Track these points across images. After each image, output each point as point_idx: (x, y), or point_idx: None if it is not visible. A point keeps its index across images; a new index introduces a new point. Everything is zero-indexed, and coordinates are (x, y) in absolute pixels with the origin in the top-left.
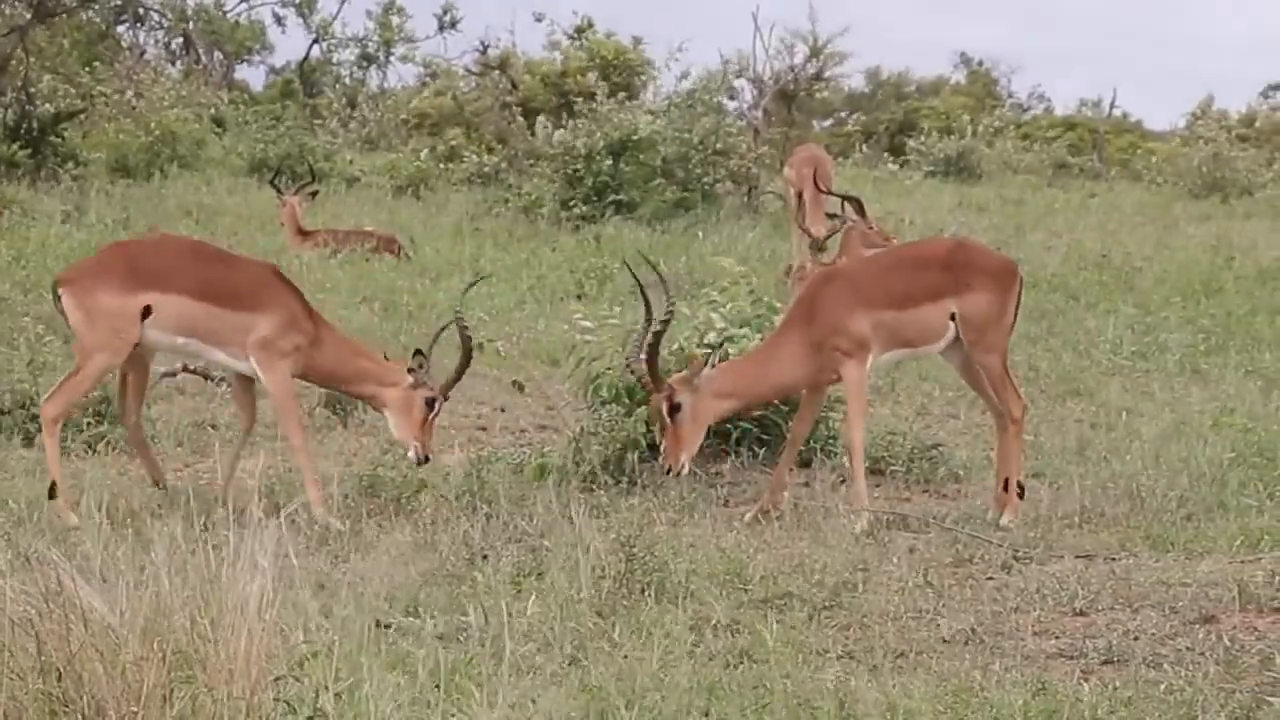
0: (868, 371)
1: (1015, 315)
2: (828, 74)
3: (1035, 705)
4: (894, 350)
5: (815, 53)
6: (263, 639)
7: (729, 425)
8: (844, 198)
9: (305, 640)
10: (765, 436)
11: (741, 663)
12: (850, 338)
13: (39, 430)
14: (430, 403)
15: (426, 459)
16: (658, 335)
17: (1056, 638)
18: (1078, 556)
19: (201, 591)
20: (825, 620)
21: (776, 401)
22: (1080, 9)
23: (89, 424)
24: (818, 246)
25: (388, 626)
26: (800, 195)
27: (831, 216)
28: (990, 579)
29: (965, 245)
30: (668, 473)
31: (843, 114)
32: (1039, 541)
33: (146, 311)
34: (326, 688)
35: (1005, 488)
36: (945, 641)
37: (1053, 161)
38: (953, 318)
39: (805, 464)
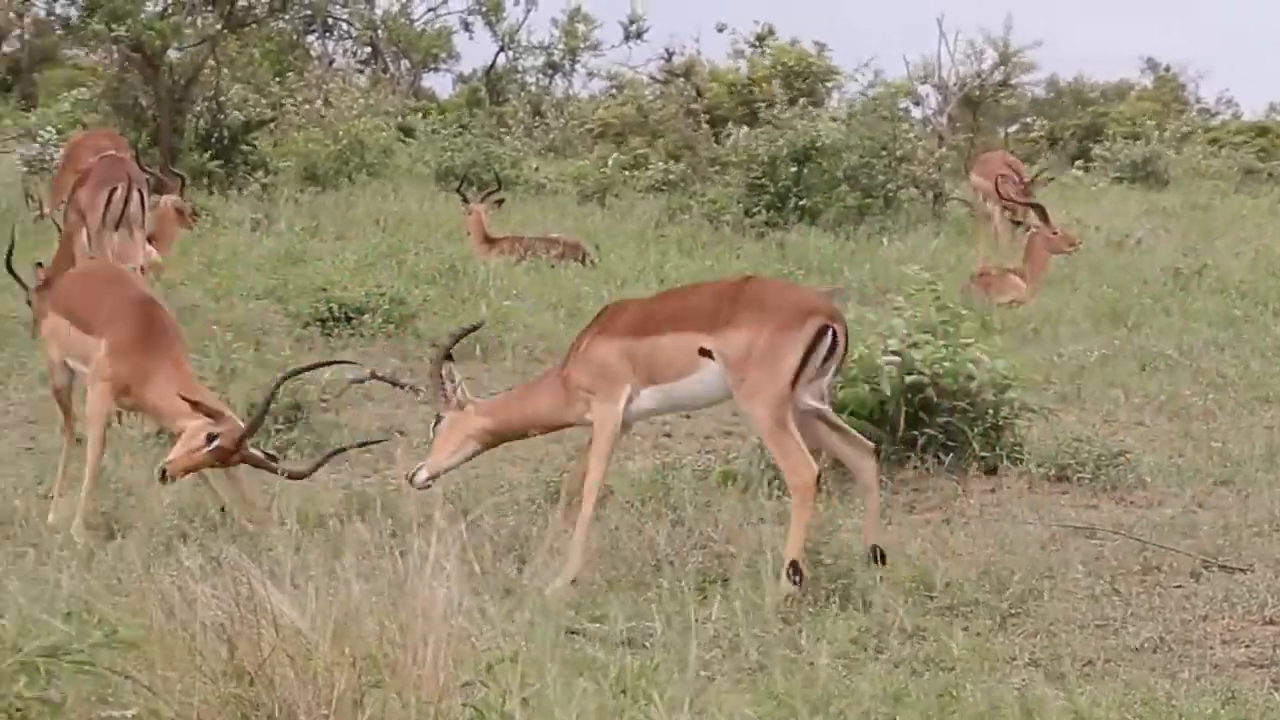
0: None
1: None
2: (1014, 81)
3: (1225, 714)
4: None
5: (1004, 59)
6: (450, 645)
7: (915, 431)
8: (1028, 204)
9: (492, 646)
10: (950, 443)
11: (927, 670)
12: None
13: None
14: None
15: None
16: (447, 345)
17: (1246, 646)
18: (1268, 565)
19: (390, 597)
20: (1011, 628)
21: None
22: (1270, 14)
23: (278, 430)
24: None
25: (574, 632)
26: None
27: (1016, 224)
28: (1178, 587)
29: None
30: (409, 480)
31: (1028, 119)
32: (1228, 549)
33: None
34: (513, 693)
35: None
36: (1133, 650)
37: (1241, 167)
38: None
39: (991, 471)
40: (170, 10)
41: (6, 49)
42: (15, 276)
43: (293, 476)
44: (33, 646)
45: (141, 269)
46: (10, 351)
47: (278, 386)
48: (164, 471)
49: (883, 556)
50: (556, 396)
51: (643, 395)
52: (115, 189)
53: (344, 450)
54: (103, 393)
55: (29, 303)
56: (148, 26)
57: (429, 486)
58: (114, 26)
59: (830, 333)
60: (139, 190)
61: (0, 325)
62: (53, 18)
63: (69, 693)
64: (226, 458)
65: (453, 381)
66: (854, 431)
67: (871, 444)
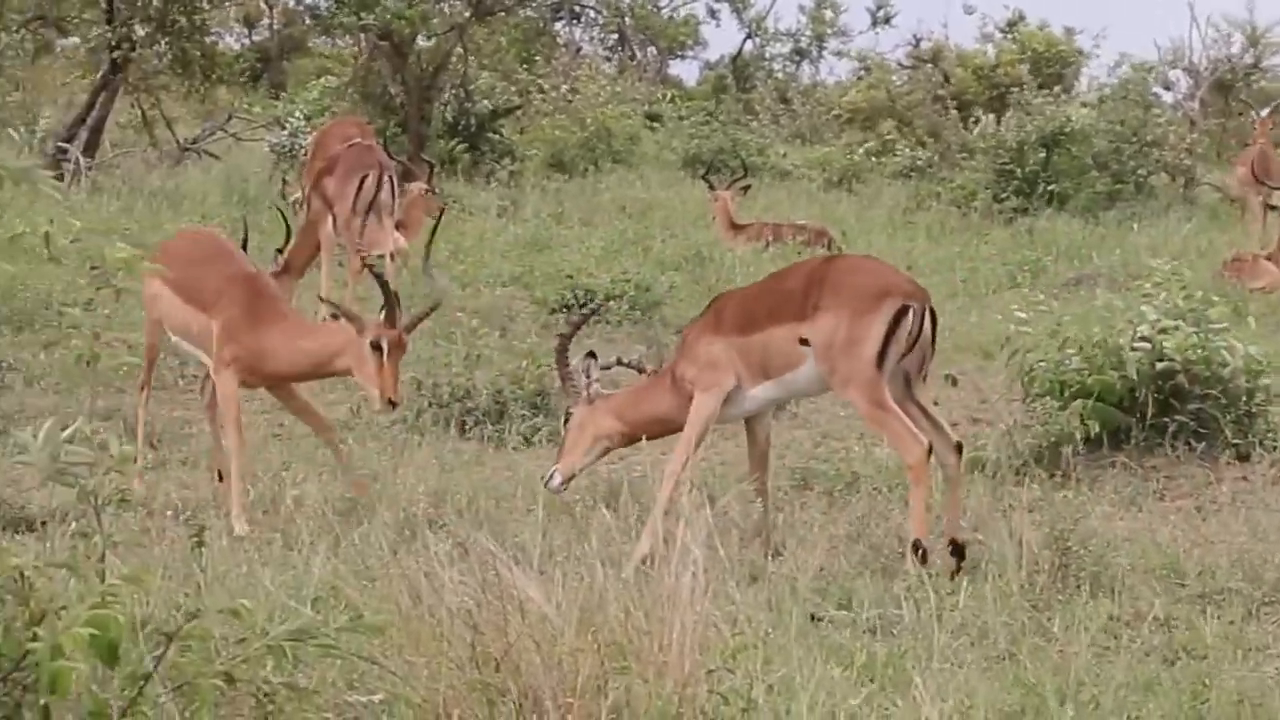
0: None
1: None
2: (1265, 63)
3: None
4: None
5: (1253, 41)
6: (696, 631)
7: (1165, 419)
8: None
9: (738, 632)
10: (1202, 430)
11: (1179, 659)
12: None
13: (475, 423)
14: None
15: None
16: (568, 333)
17: None
18: None
19: (636, 583)
20: (1265, 617)
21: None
22: None
23: (524, 416)
24: None
25: (820, 619)
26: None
27: (1271, 208)
28: None
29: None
30: (544, 484)
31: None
32: None
33: None
34: (759, 679)
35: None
36: None
37: None
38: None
39: (1244, 458)
40: (422, 1)
41: (256, 38)
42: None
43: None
44: (280, 631)
45: (390, 255)
46: None
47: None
48: (391, 403)
49: (961, 551)
50: (676, 395)
51: (758, 389)
52: (366, 177)
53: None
54: (229, 380)
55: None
56: (396, 15)
57: (563, 490)
58: (362, 16)
59: (910, 312)
60: (389, 178)
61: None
62: (301, 7)
63: (316, 677)
64: (402, 343)
65: (587, 376)
66: (944, 423)
67: (956, 439)
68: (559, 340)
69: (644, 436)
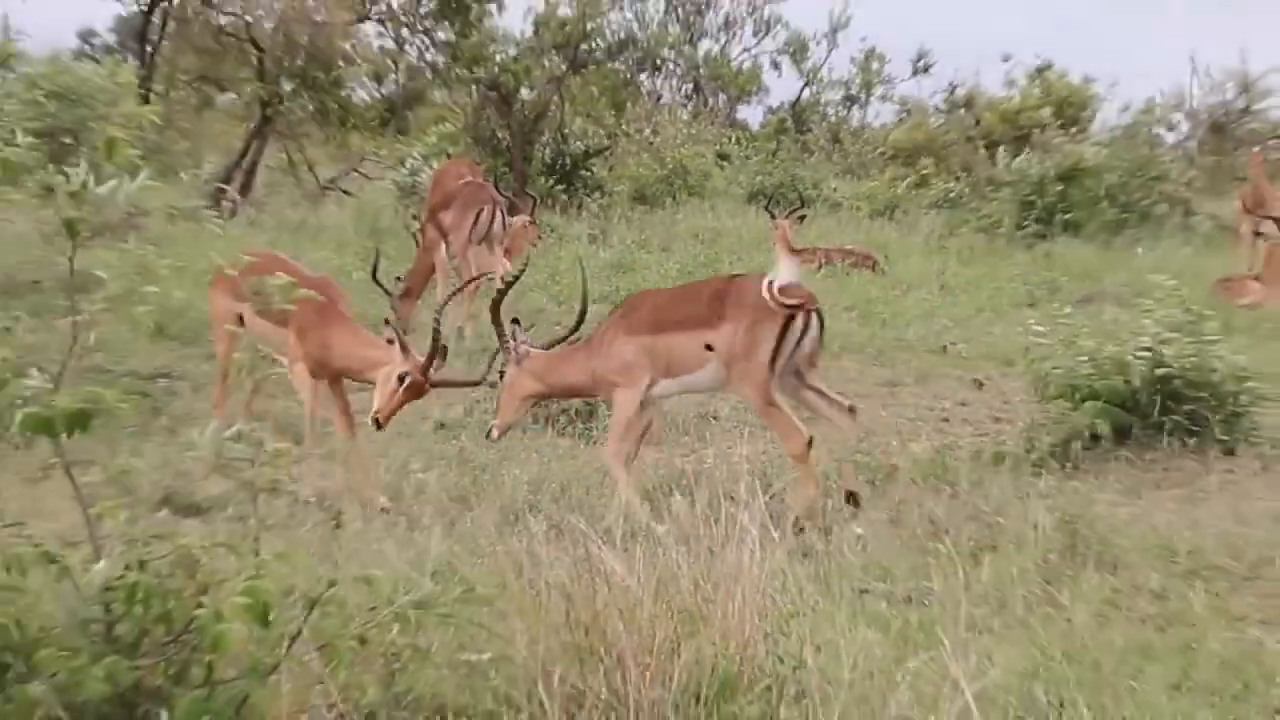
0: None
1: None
2: (1255, 108)
3: None
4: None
5: (1245, 88)
6: (755, 600)
7: (1163, 418)
8: (1269, 217)
9: (791, 602)
10: (1195, 428)
11: (1170, 626)
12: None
13: (569, 423)
14: None
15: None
16: (498, 299)
17: None
18: None
19: (704, 559)
20: (1247, 589)
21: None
22: None
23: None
24: None
25: (863, 591)
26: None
27: (1257, 235)
28: None
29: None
30: (487, 436)
31: (1270, 142)
32: None
33: None
34: (808, 642)
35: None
36: None
37: None
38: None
39: (1230, 452)
40: (522, 55)
41: (384, 91)
42: (380, 285)
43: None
44: (405, 600)
45: (500, 278)
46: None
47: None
48: (376, 422)
49: (855, 499)
50: (586, 370)
51: (660, 385)
52: (481, 211)
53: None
54: (301, 372)
55: (392, 308)
56: (503, 70)
57: (500, 439)
58: (475, 70)
59: (798, 317)
60: (499, 212)
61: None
62: (423, 64)
63: (435, 640)
64: (421, 388)
65: (515, 339)
66: (833, 394)
67: (848, 403)
68: (492, 302)
69: (556, 397)
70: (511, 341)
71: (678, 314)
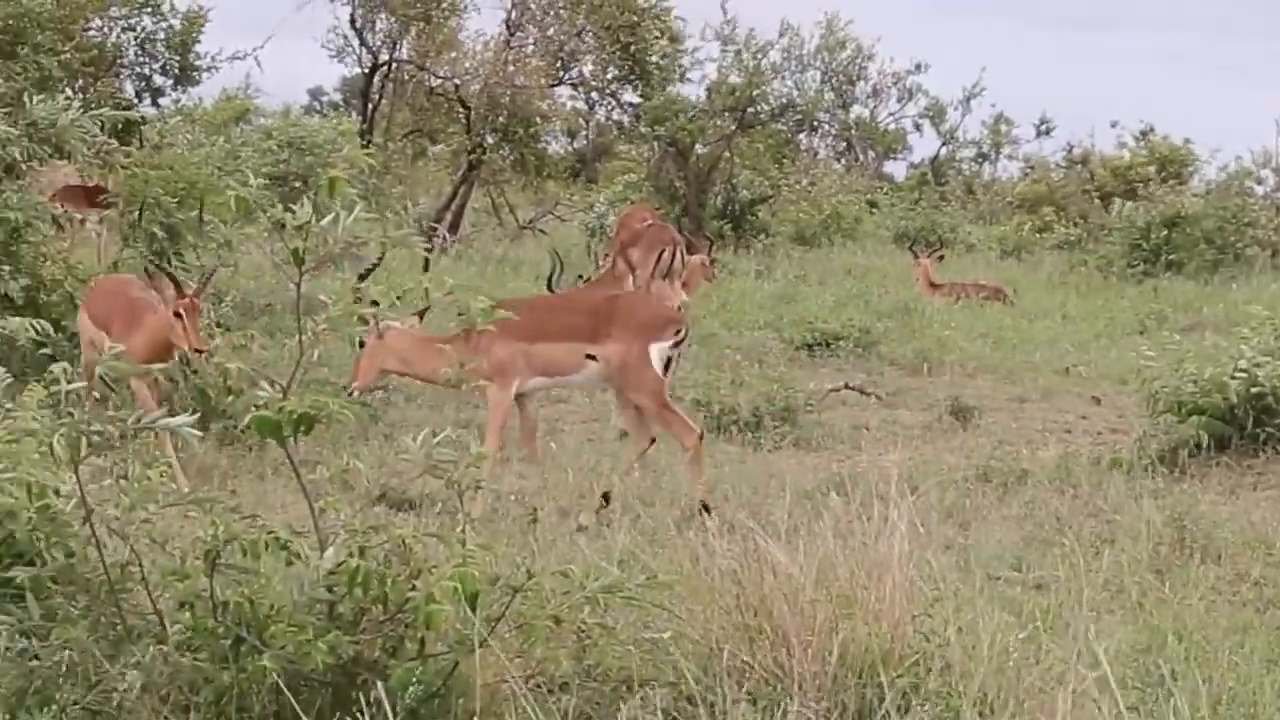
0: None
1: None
2: None
3: None
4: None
5: None
6: (904, 587)
7: (1259, 430)
8: None
9: (935, 588)
10: None
11: (1268, 609)
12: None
13: (738, 431)
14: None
15: None
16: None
17: None
18: None
19: (858, 551)
20: None
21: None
22: None
23: (775, 426)
24: None
25: (997, 578)
26: None
27: None
28: None
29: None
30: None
31: None
32: None
33: None
34: (950, 623)
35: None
36: None
37: None
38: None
39: None
40: (697, 116)
41: (576, 145)
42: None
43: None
44: (594, 585)
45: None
46: None
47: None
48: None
49: (707, 509)
50: (439, 365)
51: (531, 383)
52: (664, 250)
53: None
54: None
55: None
56: (681, 128)
57: (359, 398)
58: (656, 128)
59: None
60: (680, 251)
61: None
62: (611, 122)
63: (620, 620)
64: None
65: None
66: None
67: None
68: (358, 278)
69: (413, 377)
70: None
71: (558, 323)
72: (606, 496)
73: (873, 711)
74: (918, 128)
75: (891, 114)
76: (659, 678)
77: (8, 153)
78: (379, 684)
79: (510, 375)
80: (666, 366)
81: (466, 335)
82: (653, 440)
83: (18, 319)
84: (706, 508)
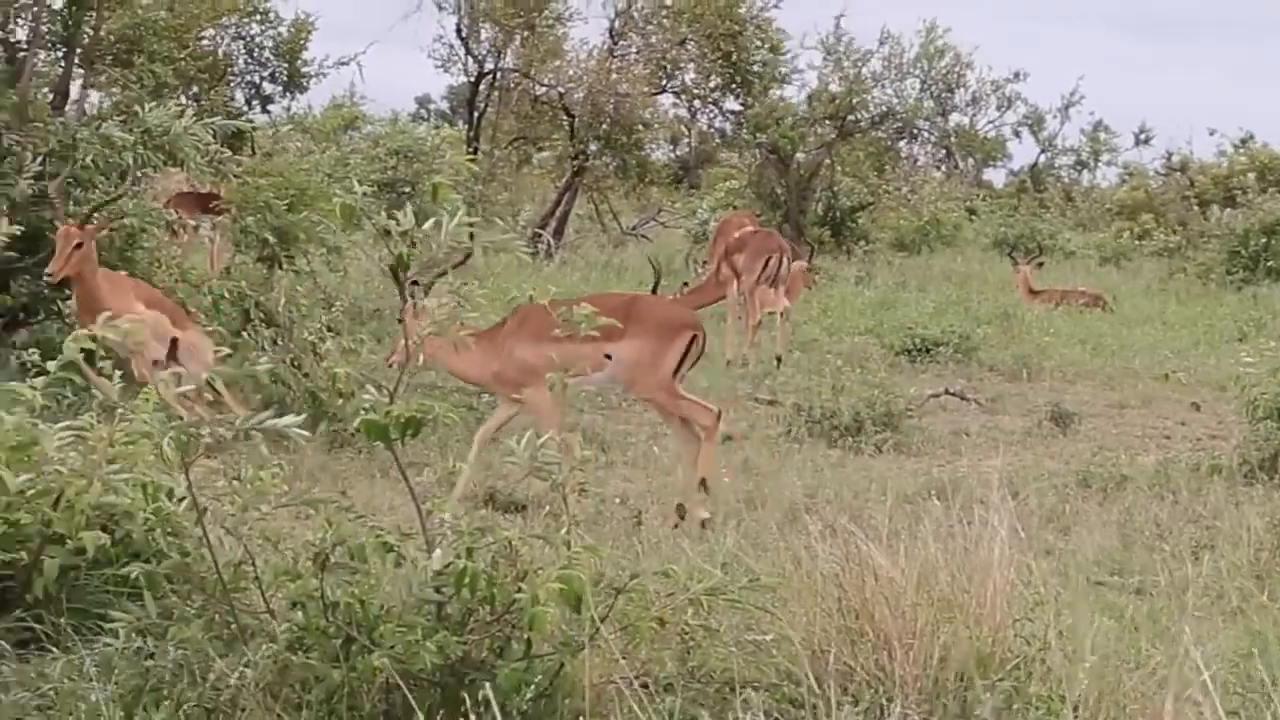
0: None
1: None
2: None
3: None
4: None
5: None
6: (1004, 590)
7: None
8: None
9: (1036, 592)
10: None
11: None
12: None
13: (839, 436)
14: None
15: None
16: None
17: None
18: None
19: (959, 555)
20: None
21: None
22: None
23: (876, 430)
24: None
25: (1098, 583)
26: None
27: None
28: None
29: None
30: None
31: None
32: None
33: None
34: (1052, 626)
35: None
36: None
37: None
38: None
39: None
40: (798, 124)
41: (678, 152)
42: None
43: None
44: (698, 587)
45: (781, 314)
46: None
47: None
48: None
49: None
50: (478, 369)
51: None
52: (770, 257)
53: None
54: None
55: None
56: (783, 136)
57: (392, 366)
58: (757, 136)
59: (697, 338)
60: (785, 258)
61: None
62: (713, 130)
63: (724, 622)
64: None
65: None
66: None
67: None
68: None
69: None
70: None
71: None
72: (704, 483)
73: (973, 715)
74: (1017, 135)
75: (990, 122)
76: (762, 679)
77: (123, 159)
78: (486, 684)
79: (538, 375)
80: (678, 368)
81: (490, 335)
82: (713, 423)
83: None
84: (705, 487)
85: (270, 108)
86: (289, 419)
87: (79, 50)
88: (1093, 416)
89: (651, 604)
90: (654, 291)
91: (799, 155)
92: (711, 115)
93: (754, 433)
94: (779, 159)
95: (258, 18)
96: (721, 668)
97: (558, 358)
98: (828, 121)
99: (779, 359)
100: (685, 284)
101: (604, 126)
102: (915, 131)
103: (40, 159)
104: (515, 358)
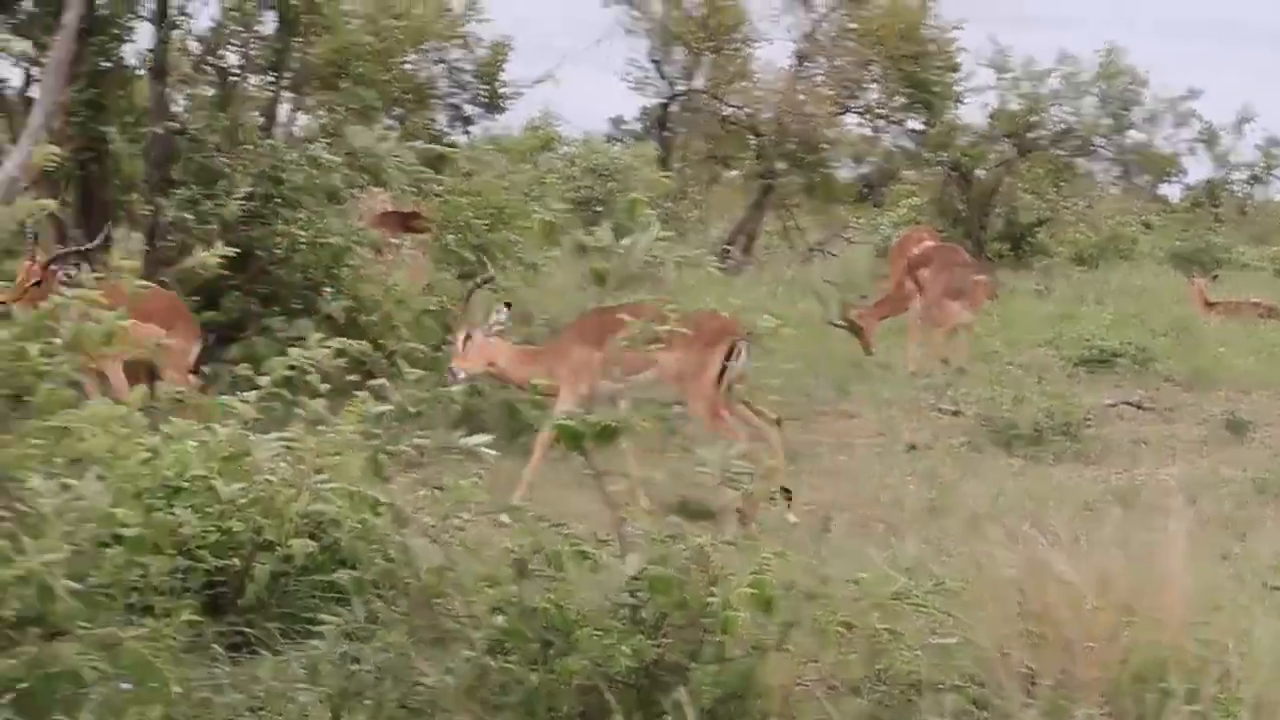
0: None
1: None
2: None
3: None
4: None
5: None
6: (1182, 596)
7: None
8: None
9: (1213, 597)
10: None
11: None
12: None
13: (1020, 446)
14: None
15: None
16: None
17: None
18: None
19: (1138, 560)
20: None
21: None
22: None
23: (1056, 440)
24: None
25: (1274, 587)
26: None
27: None
28: None
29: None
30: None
31: None
32: None
33: None
34: (1228, 631)
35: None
36: None
37: None
38: None
39: None
40: (979, 142)
41: (863, 170)
42: (838, 325)
43: None
44: (884, 592)
45: (967, 326)
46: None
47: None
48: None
49: (788, 493)
50: (542, 371)
51: (602, 386)
52: (955, 270)
53: None
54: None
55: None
56: (964, 153)
57: (459, 380)
58: (939, 154)
59: (738, 346)
60: (969, 272)
61: (858, 365)
62: (896, 148)
63: (909, 626)
64: None
65: (497, 315)
66: (762, 409)
67: (774, 415)
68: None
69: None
70: (495, 318)
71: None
72: (787, 491)
73: (1155, 717)
74: (1192, 152)
75: (1166, 138)
76: (946, 682)
77: (330, 180)
78: (680, 686)
79: (581, 378)
80: (722, 375)
81: (552, 343)
82: (776, 421)
83: (339, 339)
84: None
85: (470, 128)
86: (479, 438)
87: (288, 75)
88: (1267, 425)
89: (839, 608)
90: (844, 321)
91: (979, 172)
92: (894, 134)
93: (937, 442)
94: (960, 176)
95: (458, 42)
96: (907, 670)
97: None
98: (1007, 139)
99: (961, 369)
100: (864, 297)
101: (790, 146)
102: (1093, 148)
103: (250, 180)
104: (569, 358)
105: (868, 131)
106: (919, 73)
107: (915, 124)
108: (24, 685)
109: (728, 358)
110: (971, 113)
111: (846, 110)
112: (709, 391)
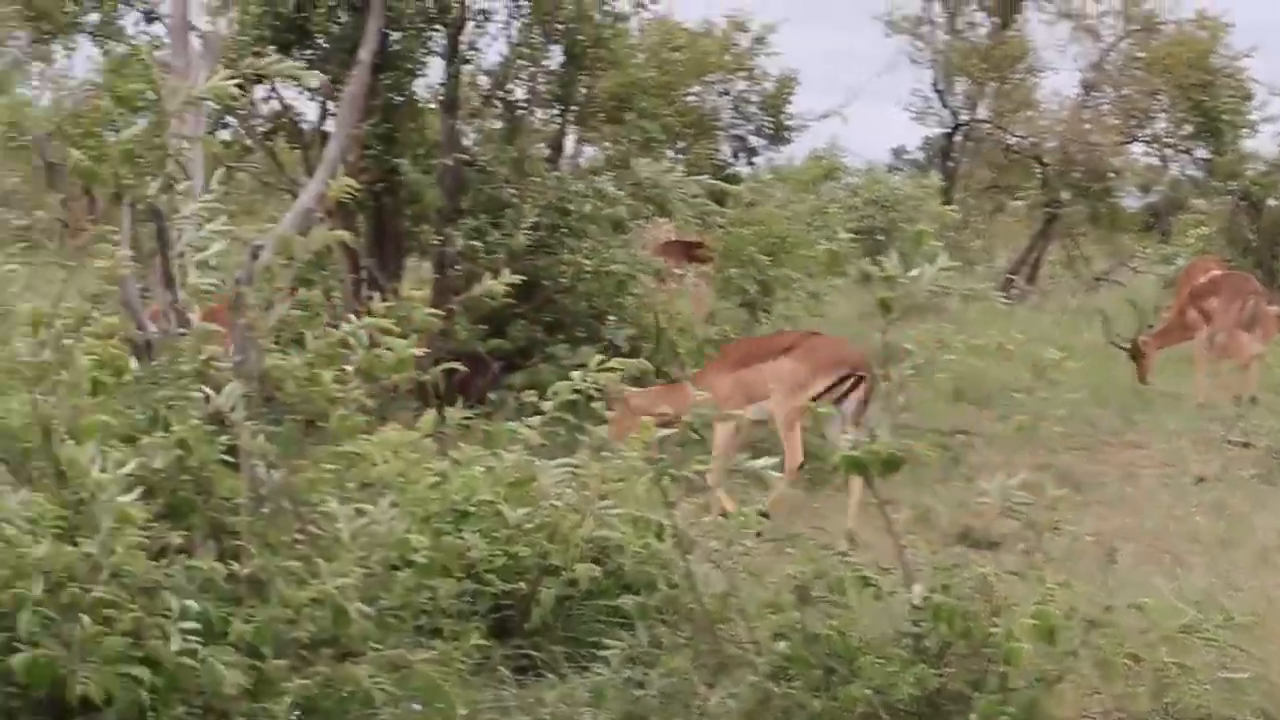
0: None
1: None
2: None
3: None
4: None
5: None
6: None
7: None
8: None
9: None
10: None
11: None
12: None
13: None
14: None
15: None
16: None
17: None
18: None
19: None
20: None
21: None
22: None
23: None
24: None
25: None
26: None
27: None
28: None
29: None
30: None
31: None
32: None
33: None
34: None
35: None
36: None
37: None
38: None
39: None
40: (1270, 171)
41: (1149, 199)
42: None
43: None
44: (1173, 624)
45: (1257, 357)
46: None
47: None
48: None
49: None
50: (682, 402)
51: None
52: (1247, 300)
53: None
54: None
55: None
56: (1254, 183)
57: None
58: (1228, 183)
59: (852, 377)
60: (1262, 302)
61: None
62: (1184, 177)
63: (1198, 660)
64: None
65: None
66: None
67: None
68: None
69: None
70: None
71: (757, 355)
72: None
73: None
74: None
75: None
76: (1238, 717)
77: (615, 211)
78: (962, 716)
79: (727, 404)
80: (823, 397)
81: (698, 376)
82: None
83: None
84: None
85: (755, 160)
86: (764, 460)
87: (573, 108)
88: None
89: (1125, 640)
90: (1128, 348)
91: (1271, 201)
92: (1182, 163)
93: (1226, 474)
94: (1250, 205)
95: (743, 74)
96: (1196, 704)
97: (741, 385)
98: None
99: (1253, 400)
100: (1150, 327)
101: (1075, 175)
102: None
103: (537, 211)
104: (714, 388)
105: (1155, 160)
106: (1207, 101)
107: (1203, 153)
108: (319, 705)
109: (841, 382)
110: (1262, 142)
111: (1133, 139)
112: (795, 408)
